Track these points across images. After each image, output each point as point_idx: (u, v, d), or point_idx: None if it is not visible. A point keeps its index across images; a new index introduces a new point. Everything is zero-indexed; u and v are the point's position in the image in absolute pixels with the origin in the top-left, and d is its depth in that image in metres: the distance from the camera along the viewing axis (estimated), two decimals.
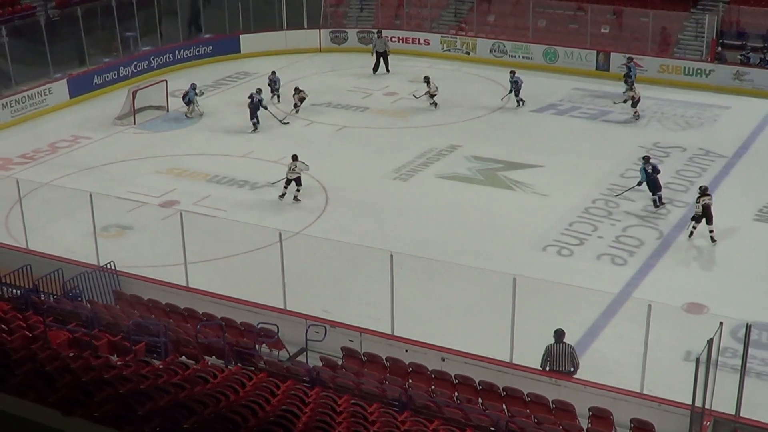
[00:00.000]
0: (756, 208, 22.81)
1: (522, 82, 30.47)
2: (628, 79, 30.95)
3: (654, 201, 22.95)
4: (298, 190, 23.63)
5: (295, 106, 30.28)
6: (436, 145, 27.27)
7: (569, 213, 22.63)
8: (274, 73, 31.82)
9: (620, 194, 23.34)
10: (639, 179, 23.08)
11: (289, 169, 23.60)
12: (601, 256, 20.63)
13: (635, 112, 29.27)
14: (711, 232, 21.02)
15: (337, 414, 11.31)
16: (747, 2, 34.61)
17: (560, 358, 15.17)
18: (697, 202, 21.04)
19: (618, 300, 18.48)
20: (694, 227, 21.14)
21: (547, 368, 15.24)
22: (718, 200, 23.36)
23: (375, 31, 36.89)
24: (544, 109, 30.64)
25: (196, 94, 30.08)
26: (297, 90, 30.43)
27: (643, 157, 23.39)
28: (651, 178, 22.89)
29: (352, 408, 11.86)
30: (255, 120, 28.75)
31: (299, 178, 23.59)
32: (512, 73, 30.78)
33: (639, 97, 29.22)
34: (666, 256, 20.55)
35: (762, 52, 32.90)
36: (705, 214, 20.93)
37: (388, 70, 35.44)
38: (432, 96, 30.66)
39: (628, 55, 32.78)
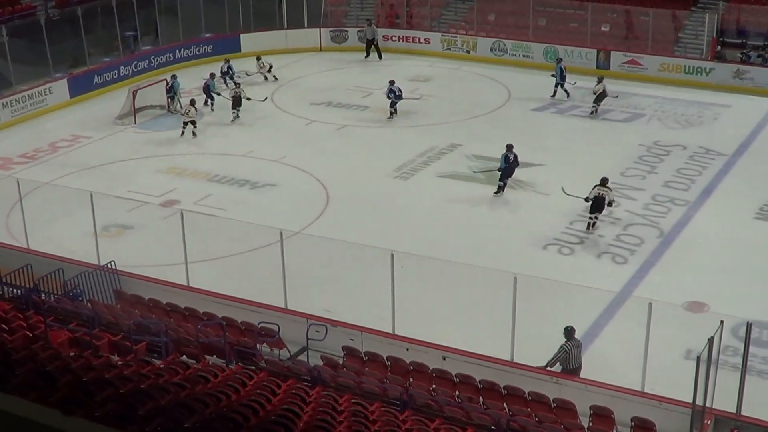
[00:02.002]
0: (756, 206, 22.80)
1: (400, 94, 29.53)
2: (560, 80, 31.08)
3: (499, 187, 23.69)
4: (194, 132, 28.19)
5: (187, 124, 28.41)
6: (436, 144, 27.26)
7: (570, 211, 22.60)
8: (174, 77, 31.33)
9: (478, 171, 24.60)
10: (499, 165, 23.61)
11: (185, 113, 28.28)
12: (601, 254, 20.63)
13: (594, 108, 29.49)
14: (596, 218, 21.55)
15: (338, 413, 11.31)
16: (747, 1, 34.61)
17: (576, 355, 15.23)
18: (591, 190, 21.43)
19: (619, 299, 18.48)
20: (596, 218, 21.56)
21: (560, 366, 15.27)
22: (718, 198, 23.47)
23: (366, 20, 37.60)
24: (545, 108, 30.63)
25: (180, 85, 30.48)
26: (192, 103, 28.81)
27: (507, 146, 23.62)
28: (509, 166, 23.53)
29: (353, 407, 11.86)
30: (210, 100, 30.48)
31: (194, 121, 28.05)
32: (391, 82, 29.89)
33: (604, 93, 29.30)
34: (666, 255, 20.55)
35: (762, 51, 32.87)
36: (597, 204, 21.36)
37: (380, 57, 36.53)
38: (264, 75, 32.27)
39: (559, 56, 33.10)
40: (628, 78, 33.20)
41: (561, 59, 32.34)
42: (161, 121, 30.01)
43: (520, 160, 24.77)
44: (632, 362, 15.39)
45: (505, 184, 23.70)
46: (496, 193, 23.65)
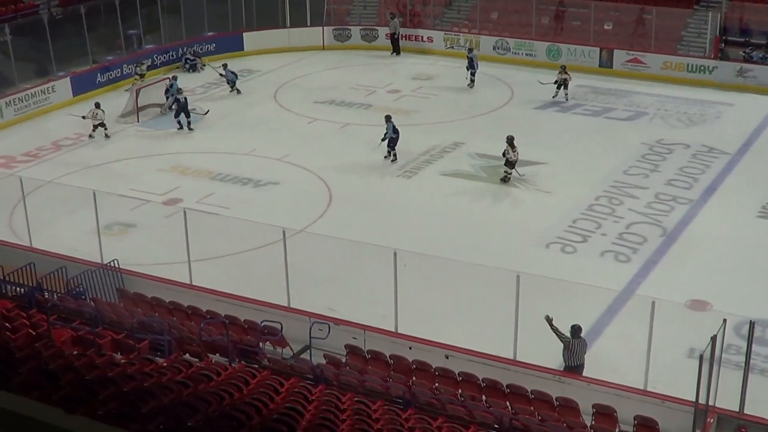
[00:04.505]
0: (759, 204, 22.78)
1: (235, 73, 32.52)
2: (472, 69, 32.36)
3: (394, 155, 25.90)
4: (106, 133, 28.12)
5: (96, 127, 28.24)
6: (439, 143, 27.25)
7: (573, 210, 22.62)
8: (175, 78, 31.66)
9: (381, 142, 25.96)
10: (388, 135, 25.67)
11: (92, 116, 27.82)
12: (604, 253, 20.62)
13: (565, 93, 30.82)
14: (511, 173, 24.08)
15: (341, 411, 11.32)
16: None
17: (579, 353, 15.24)
18: (513, 150, 23.84)
19: (621, 297, 18.47)
20: (508, 173, 24.01)
21: (563, 363, 15.29)
22: (721, 197, 23.46)
23: (390, 13, 37.79)
24: (548, 107, 30.61)
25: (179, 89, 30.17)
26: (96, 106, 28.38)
27: (386, 116, 25.98)
28: (396, 136, 25.66)
29: (355, 405, 11.87)
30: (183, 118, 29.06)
31: (103, 122, 27.97)
32: (224, 65, 32.81)
33: (570, 79, 30.72)
34: (669, 253, 20.54)
35: (765, 49, 32.81)
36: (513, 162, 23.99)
37: (396, 53, 36.99)
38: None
39: (469, 47, 34.01)
40: (631, 76, 33.20)
41: (472, 49, 33.38)
42: (164, 119, 29.97)
43: (522, 158, 24.76)
44: (635, 361, 15.38)
45: (395, 154, 25.94)
46: (393, 161, 25.89)
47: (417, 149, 26.75)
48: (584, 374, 15.27)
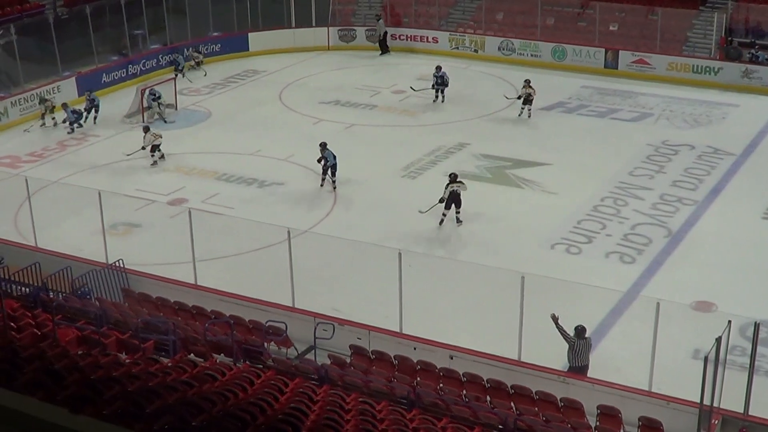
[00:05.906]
0: (764, 206, 22.74)
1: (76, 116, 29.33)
2: (441, 86, 31.02)
3: (323, 179, 24.18)
4: (158, 158, 26.20)
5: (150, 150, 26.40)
6: (444, 143, 27.24)
7: (578, 211, 22.60)
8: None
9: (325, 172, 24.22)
10: (330, 162, 23.89)
11: (154, 138, 26.12)
12: (609, 254, 20.60)
13: (528, 110, 29.14)
14: (458, 213, 21.84)
15: (346, 412, 11.32)
16: (755, 0, 34.50)
17: (584, 354, 15.24)
18: (446, 188, 21.62)
19: (626, 298, 18.45)
20: (444, 214, 21.77)
21: (567, 363, 15.29)
22: (726, 198, 23.42)
23: (375, 15, 38.05)
24: (553, 107, 30.58)
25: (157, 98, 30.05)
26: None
27: (322, 143, 24.16)
28: (335, 162, 23.99)
29: (360, 406, 11.88)
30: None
31: (159, 146, 26.13)
32: (89, 91, 30.15)
33: (534, 93, 29.01)
34: (674, 254, 20.51)
35: None
36: (454, 201, 21.70)
37: (383, 52, 37.24)
38: None
39: (437, 65, 31.82)
40: (637, 77, 33.18)
41: (440, 67, 31.29)
42: (169, 119, 29.99)
43: (527, 159, 24.75)
44: (640, 362, 15.37)
45: (323, 179, 24.30)
46: (321, 186, 24.29)
47: (422, 150, 26.75)
48: (589, 375, 15.26)
